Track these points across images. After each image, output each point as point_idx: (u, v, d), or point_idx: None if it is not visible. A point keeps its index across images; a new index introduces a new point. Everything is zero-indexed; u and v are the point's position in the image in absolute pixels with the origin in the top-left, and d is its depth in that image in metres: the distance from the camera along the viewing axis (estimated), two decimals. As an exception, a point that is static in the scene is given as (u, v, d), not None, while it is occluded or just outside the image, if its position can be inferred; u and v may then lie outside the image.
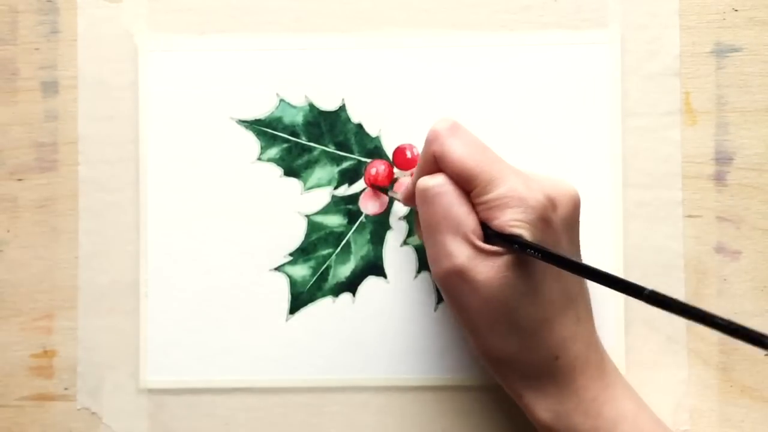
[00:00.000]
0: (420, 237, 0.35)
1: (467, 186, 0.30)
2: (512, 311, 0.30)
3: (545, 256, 0.28)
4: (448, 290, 0.31)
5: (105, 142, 0.38)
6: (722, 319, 0.22)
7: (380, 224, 0.38)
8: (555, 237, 0.30)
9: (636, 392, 0.33)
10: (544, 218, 0.30)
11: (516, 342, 0.30)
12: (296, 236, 0.38)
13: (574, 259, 0.28)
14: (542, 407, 0.31)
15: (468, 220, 0.30)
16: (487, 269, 0.29)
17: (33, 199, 0.38)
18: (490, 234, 0.30)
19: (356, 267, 0.38)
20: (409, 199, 0.34)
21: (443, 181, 0.31)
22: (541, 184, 0.31)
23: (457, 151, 0.30)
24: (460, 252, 0.30)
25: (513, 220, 0.29)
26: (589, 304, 0.33)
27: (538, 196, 0.30)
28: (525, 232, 0.29)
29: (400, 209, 0.38)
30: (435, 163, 0.31)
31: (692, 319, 0.22)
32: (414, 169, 0.34)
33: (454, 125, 0.31)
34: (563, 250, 0.31)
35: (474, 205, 0.31)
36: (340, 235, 0.38)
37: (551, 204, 0.30)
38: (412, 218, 0.38)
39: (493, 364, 0.32)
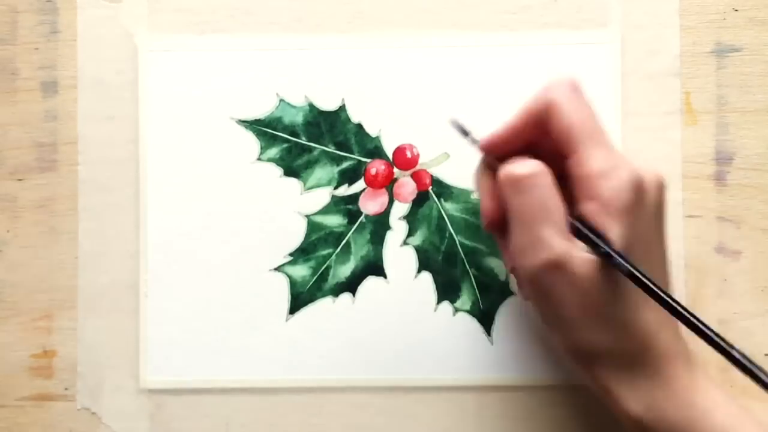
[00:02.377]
0: (488, 224, 0.33)
1: (572, 148, 0.30)
2: (608, 303, 0.29)
3: (627, 273, 0.28)
4: (541, 283, 0.30)
5: (105, 142, 0.38)
6: None
7: (380, 224, 0.38)
8: (644, 225, 0.30)
9: (719, 384, 0.32)
10: (635, 204, 0.29)
11: (608, 333, 0.30)
12: (296, 236, 0.38)
13: (658, 285, 0.28)
14: (633, 399, 0.30)
15: (562, 212, 0.29)
16: (586, 262, 0.29)
17: (33, 199, 0.38)
18: (579, 230, 0.29)
19: (356, 267, 0.38)
20: (495, 146, 0.31)
21: (540, 169, 0.29)
22: (634, 169, 0.30)
23: (577, 109, 0.30)
24: (558, 243, 0.29)
25: (605, 205, 0.29)
26: (674, 292, 0.32)
27: (630, 177, 0.29)
28: (614, 227, 0.29)
29: (400, 209, 0.38)
30: (538, 117, 0.30)
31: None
32: (510, 116, 0.31)
33: (578, 83, 0.30)
34: (650, 241, 0.30)
35: (567, 176, 0.30)
36: (340, 235, 0.38)
37: (641, 188, 0.29)
38: (411, 218, 0.38)
39: (583, 358, 0.31)
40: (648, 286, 0.28)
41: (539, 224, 0.29)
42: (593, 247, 0.29)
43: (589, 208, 0.29)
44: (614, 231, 0.29)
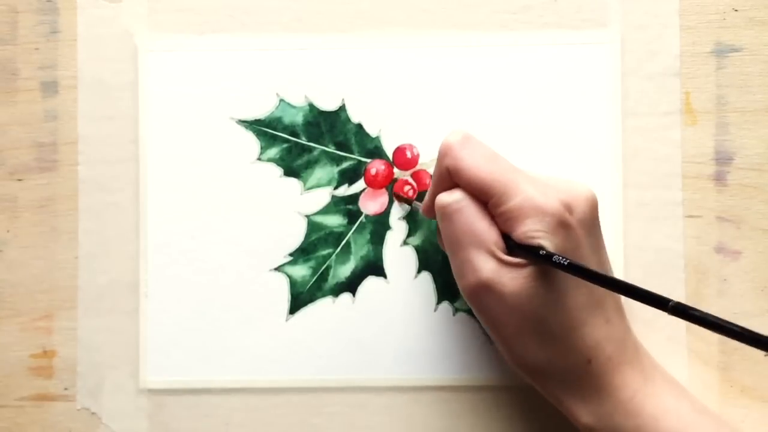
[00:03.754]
0: (443, 248, 0.35)
1: (483, 197, 0.31)
2: (540, 320, 0.30)
3: (567, 266, 0.28)
4: (476, 304, 0.31)
5: (105, 142, 0.38)
6: (746, 330, 0.22)
7: (380, 224, 0.38)
8: (576, 241, 0.30)
9: (678, 383, 0.33)
10: (562, 224, 0.30)
11: (547, 350, 0.30)
12: (296, 236, 0.38)
13: (595, 269, 0.28)
14: (583, 411, 0.31)
15: (489, 233, 0.30)
16: (513, 281, 0.29)
17: (33, 199, 0.38)
18: (512, 245, 0.30)
19: (356, 267, 0.38)
20: (429, 212, 0.34)
21: (461, 197, 0.31)
22: (556, 188, 0.31)
23: (471, 164, 0.31)
24: (484, 266, 0.30)
25: (532, 231, 0.29)
26: (619, 303, 0.32)
27: (554, 203, 0.30)
28: (545, 242, 0.29)
29: (400, 209, 0.38)
30: (450, 177, 0.31)
31: (717, 330, 0.23)
32: (429, 182, 0.34)
33: (465, 137, 0.31)
34: (585, 254, 0.31)
35: (493, 216, 0.31)
36: (340, 235, 0.38)
37: (567, 208, 0.30)
38: (411, 218, 0.38)
39: (528, 373, 0.32)
40: (587, 270, 0.28)
41: (466, 248, 0.30)
42: (529, 254, 0.29)
43: (520, 231, 0.30)
44: (546, 245, 0.29)
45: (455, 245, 0.31)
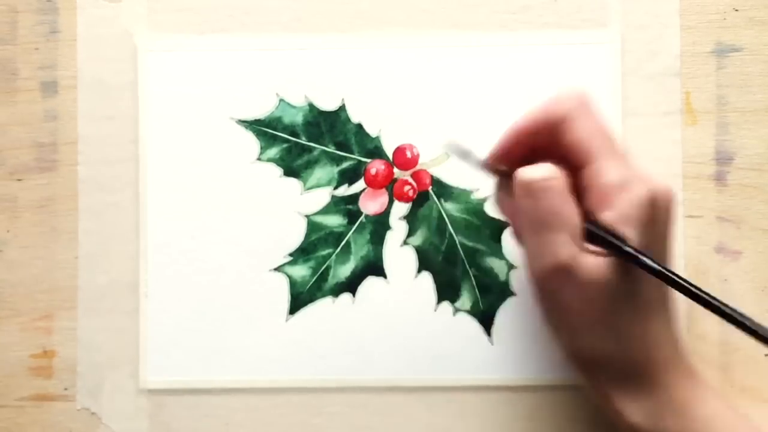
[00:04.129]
0: (501, 208, 0.33)
1: (585, 160, 0.30)
2: (613, 311, 0.29)
3: (649, 268, 0.28)
4: (548, 288, 0.30)
5: (105, 142, 0.38)
6: None
7: (380, 224, 0.38)
8: (656, 237, 0.30)
9: (719, 392, 0.33)
10: (651, 216, 0.29)
11: (612, 341, 0.30)
12: (296, 236, 0.38)
13: (677, 274, 0.28)
14: (633, 409, 0.30)
15: (575, 218, 0.29)
16: (593, 268, 0.29)
17: (33, 199, 0.38)
18: (592, 231, 0.29)
19: (356, 267, 0.38)
20: (503, 155, 0.31)
21: (551, 174, 0.29)
22: (648, 180, 0.30)
23: (592, 121, 0.30)
24: (566, 249, 0.29)
25: (619, 217, 0.29)
26: (675, 306, 0.32)
27: (649, 191, 0.29)
28: (631, 232, 0.28)
29: (400, 209, 0.38)
30: (546, 129, 0.30)
31: None
32: (510, 126, 0.31)
33: (587, 96, 0.30)
34: (661, 251, 0.30)
35: (579, 188, 0.30)
36: (340, 235, 0.38)
37: (657, 201, 0.29)
38: (411, 218, 0.38)
39: (585, 365, 0.31)
40: (674, 279, 0.28)
41: (550, 229, 0.29)
42: (611, 248, 0.29)
43: (607, 216, 0.29)
44: (631, 239, 0.29)
45: (538, 225, 0.29)
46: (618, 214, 0.29)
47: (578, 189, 0.30)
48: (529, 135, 0.31)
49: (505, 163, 0.32)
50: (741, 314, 0.27)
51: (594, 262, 0.29)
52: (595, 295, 0.29)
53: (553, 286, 0.30)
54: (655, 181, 0.30)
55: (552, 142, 0.31)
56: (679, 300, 0.37)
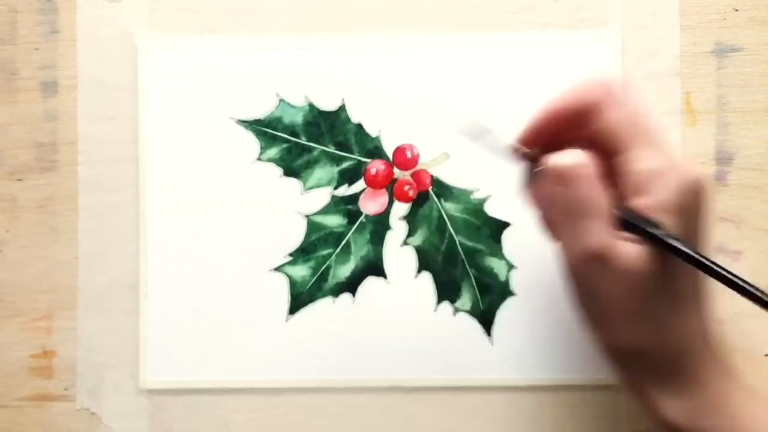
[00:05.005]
0: (531, 193, 0.32)
1: (620, 147, 0.29)
2: (651, 300, 0.28)
3: (686, 255, 0.27)
4: (584, 277, 0.29)
5: (105, 142, 0.38)
6: None
7: (380, 224, 0.38)
8: (693, 226, 0.29)
9: (760, 391, 0.31)
10: (689, 204, 0.28)
11: (649, 332, 0.29)
12: (296, 236, 0.38)
13: (725, 270, 0.27)
14: (673, 406, 0.29)
15: (608, 206, 0.28)
16: (630, 257, 0.28)
17: (33, 199, 0.38)
18: (627, 221, 0.28)
19: (356, 267, 0.38)
20: (531, 139, 0.31)
21: (583, 161, 0.28)
22: (686, 170, 0.29)
23: (626, 109, 0.29)
24: (602, 237, 0.28)
25: (657, 206, 0.28)
26: (710, 301, 0.31)
27: (687, 178, 0.28)
28: (668, 218, 0.28)
29: (400, 209, 0.38)
30: (576, 113, 0.30)
31: None
32: (540, 109, 0.31)
33: (616, 84, 0.30)
34: (698, 240, 0.29)
35: (614, 175, 0.29)
36: (340, 235, 0.38)
37: (695, 188, 0.29)
38: (411, 218, 0.38)
39: (622, 357, 0.30)
40: (711, 266, 0.27)
41: (583, 217, 0.28)
42: (645, 235, 0.28)
43: (641, 203, 0.28)
44: (667, 227, 0.28)
45: (571, 212, 0.28)
46: (653, 200, 0.28)
47: (608, 177, 0.29)
48: (559, 120, 0.30)
49: (533, 147, 0.31)
50: None
51: (631, 250, 0.28)
52: (632, 284, 0.28)
53: (589, 275, 0.29)
54: (692, 169, 0.29)
55: (580, 129, 0.30)
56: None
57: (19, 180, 0.38)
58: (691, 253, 0.27)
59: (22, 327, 0.38)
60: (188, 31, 0.38)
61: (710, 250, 0.37)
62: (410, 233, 0.38)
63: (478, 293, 0.38)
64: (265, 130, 0.38)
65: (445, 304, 0.38)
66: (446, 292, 0.38)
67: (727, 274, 0.27)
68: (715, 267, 0.27)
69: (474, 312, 0.37)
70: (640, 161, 0.29)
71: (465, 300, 0.38)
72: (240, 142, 0.38)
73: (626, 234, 0.28)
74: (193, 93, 0.38)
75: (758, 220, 0.37)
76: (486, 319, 0.38)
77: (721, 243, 0.37)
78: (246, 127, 0.38)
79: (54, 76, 0.38)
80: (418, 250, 0.38)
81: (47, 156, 0.38)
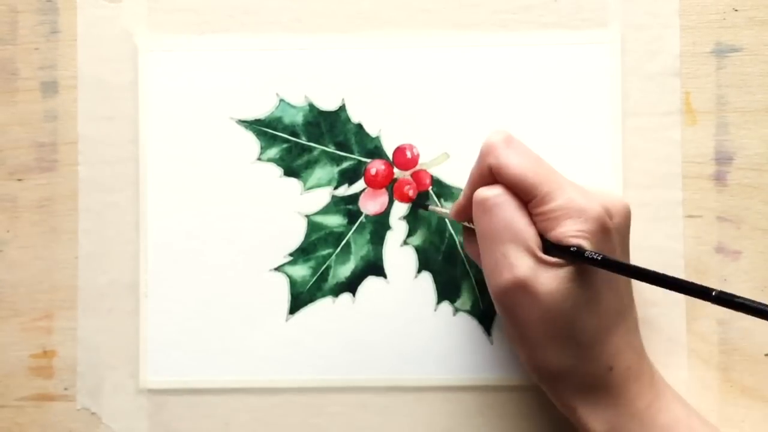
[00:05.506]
0: (471, 252, 0.35)
1: (525, 196, 0.30)
2: (572, 323, 0.30)
3: (611, 265, 0.28)
4: (508, 302, 0.31)
5: (105, 142, 0.38)
6: None
7: (380, 224, 0.38)
8: (611, 246, 0.30)
9: (684, 399, 0.33)
10: (602, 228, 0.30)
11: (573, 354, 0.30)
12: (296, 236, 0.38)
13: (640, 266, 0.28)
14: (597, 419, 0.31)
15: (528, 230, 0.30)
16: (550, 280, 0.29)
17: (33, 199, 0.38)
18: (550, 246, 0.30)
19: (356, 267, 0.38)
20: (461, 213, 0.34)
21: (502, 192, 0.31)
22: (596, 194, 0.31)
23: (515, 163, 0.30)
24: (522, 263, 0.30)
25: (574, 230, 0.29)
26: (636, 315, 0.33)
27: (596, 206, 0.30)
28: (585, 243, 0.29)
29: (400, 209, 0.38)
30: (490, 176, 0.31)
31: (760, 316, 0.23)
32: (464, 185, 0.33)
33: (508, 137, 0.31)
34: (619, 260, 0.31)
35: (531, 216, 0.31)
36: (340, 235, 0.38)
37: (608, 213, 0.30)
38: (411, 218, 0.38)
39: (547, 378, 0.32)
40: (633, 268, 0.28)
41: (504, 244, 0.30)
42: (568, 252, 0.29)
43: (557, 234, 0.30)
44: (586, 246, 0.29)
45: (493, 240, 0.30)
46: (568, 230, 0.29)
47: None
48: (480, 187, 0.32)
49: (467, 217, 0.33)
50: (720, 292, 0.26)
51: (550, 275, 0.29)
52: (553, 307, 0.29)
53: (512, 300, 0.30)
54: (608, 196, 0.31)
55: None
56: (678, 301, 0.37)
57: (19, 180, 0.38)
58: (619, 261, 0.28)
59: (22, 327, 0.38)
60: (188, 31, 0.38)
61: (710, 250, 0.37)
62: (410, 233, 0.38)
63: (478, 293, 0.38)
64: (265, 130, 0.38)
65: (445, 304, 0.38)
66: (446, 292, 0.38)
67: (649, 272, 0.27)
68: (638, 269, 0.28)
69: (474, 312, 0.37)
70: (550, 200, 0.30)
71: (465, 300, 0.38)
72: (240, 142, 0.38)
73: (550, 258, 0.29)
74: (193, 93, 0.38)
75: (758, 220, 0.37)
76: (486, 319, 0.38)
77: (721, 243, 0.37)
78: (246, 127, 0.38)
79: (54, 76, 0.38)
80: (418, 250, 0.38)
81: (47, 156, 0.38)
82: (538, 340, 0.30)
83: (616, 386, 0.31)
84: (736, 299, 0.24)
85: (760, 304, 0.23)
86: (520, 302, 0.30)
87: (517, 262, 0.30)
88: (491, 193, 0.31)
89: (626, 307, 0.32)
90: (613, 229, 0.30)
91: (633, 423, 0.31)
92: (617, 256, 0.31)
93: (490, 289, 0.31)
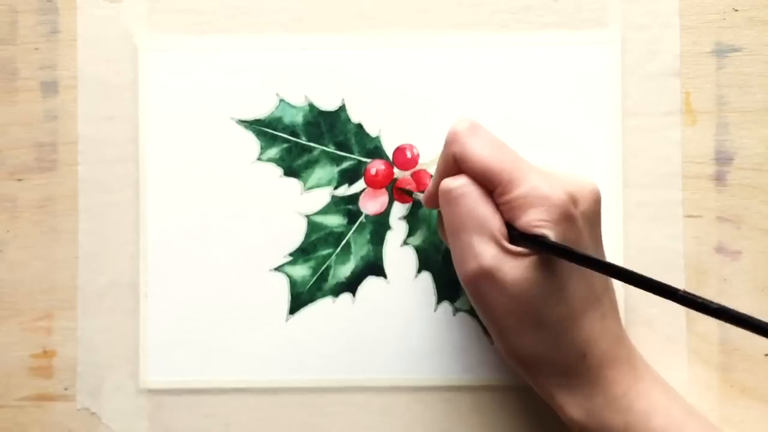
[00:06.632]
0: (444, 239, 0.35)
1: (489, 185, 0.30)
2: (539, 310, 0.30)
3: (571, 256, 0.28)
4: (475, 291, 0.31)
5: (105, 142, 0.38)
6: (748, 317, 0.22)
7: (380, 224, 0.38)
8: (577, 233, 0.30)
9: (667, 383, 0.33)
10: (566, 216, 0.29)
11: (543, 341, 0.30)
12: (296, 236, 0.38)
13: (600, 258, 0.28)
14: (573, 405, 0.31)
15: (493, 219, 0.30)
16: (514, 269, 0.29)
17: (33, 199, 0.38)
18: (515, 234, 0.30)
19: (356, 267, 0.38)
20: (431, 201, 0.34)
21: (466, 182, 0.31)
22: (562, 180, 0.30)
23: (478, 151, 0.30)
24: (486, 252, 0.30)
25: (536, 220, 0.29)
26: (615, 300, 0.33)
27: (560, 194, 0.29)
28: (549, 232, 0.29)
29: (400, 209, 0.38)
30: (455, 164, 0.31)
31: (721, 318, 0.23)
32: (433, 171, 0.33)
33: (473, 125, 0.31)
34: (585, 247, 0.31)
35: (497, 205, 0.30)
36: (340, 235, 0.38)
37: (573, 200, 0.30)
38: (411, 218, 0.38)
39: (522, 364, 0.32)
40: (592, 259, 0.27)
41: (469, 234, 0.30)
42: (532, 242, 0.29)
43: (523, 222, 0.29)
44: (550, 235, 0.29)
45: (458, 230, 0.31)
46: (532, 219, 0.29)
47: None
48: (444, 179, 0.32)
49: (436, 204, 0.33)
50: (678, 290, 0.25)
51: (515, 264, 0.29)
52: (519, 296, 0.29)
53: (480, 289, 0.30)
54: (575, 180, 0.31)
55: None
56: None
57: (19, 180, 0.38)
58: (577, 251, 0.28)
59: (22, 327, 0.38)
60: (188, 31, 0.38)
61: (710, 250, 0.37)
62: (410, 233, 0.38)
63: (478, 293, 0.38)
64: (265, 130, 0.38)
65: (445, 304, 0.38)
66: (446, 292, 0.38)
67: (611, 266, 0.27)
68: (597, 261, 0.27)
69: (474, 312, 0.37)
70: (514, 188, 0.30)
71: (465, 300, 0.38)
72: (240, 142, 0.38)
73: (514, 248, 0.29)
74: (193, 93, 0.38)
75: (758, 220, 0.37)
76: (486, 319, 0.38)
77: (721, 243, 0.37)
78: (246, 127, 0.38)
79: (54, 76, 0.38)
80: (418, 250, 0.38)
81: (47, 156, 0.38)
82: (509, 327, 0.30)
83: (591, 372, 0.31)
84: (698, 300, 0.23)
85: (721, 306, 0.23)
86: (487, 291, 0.30)
87: (482, 252, 0.30)
88: (455, 183, 0.31)
89: (599, 293, 0.31)
90: (579, 216, 0.30)
91: (608, 409, 0.31)
92: (584, 244, 0.30)
93: (459, 278, 0.31)
